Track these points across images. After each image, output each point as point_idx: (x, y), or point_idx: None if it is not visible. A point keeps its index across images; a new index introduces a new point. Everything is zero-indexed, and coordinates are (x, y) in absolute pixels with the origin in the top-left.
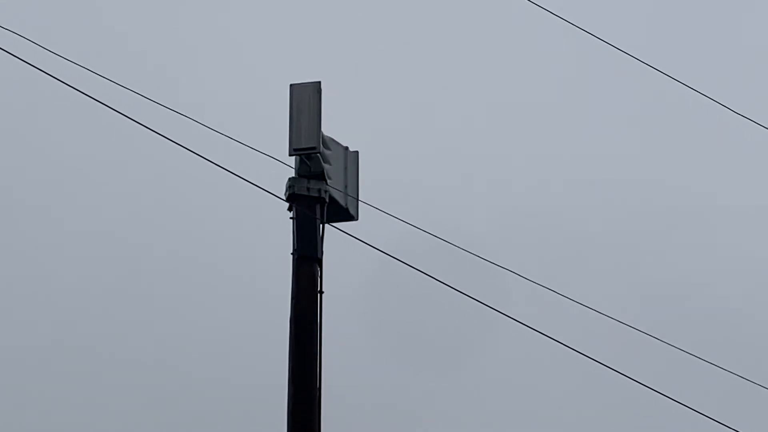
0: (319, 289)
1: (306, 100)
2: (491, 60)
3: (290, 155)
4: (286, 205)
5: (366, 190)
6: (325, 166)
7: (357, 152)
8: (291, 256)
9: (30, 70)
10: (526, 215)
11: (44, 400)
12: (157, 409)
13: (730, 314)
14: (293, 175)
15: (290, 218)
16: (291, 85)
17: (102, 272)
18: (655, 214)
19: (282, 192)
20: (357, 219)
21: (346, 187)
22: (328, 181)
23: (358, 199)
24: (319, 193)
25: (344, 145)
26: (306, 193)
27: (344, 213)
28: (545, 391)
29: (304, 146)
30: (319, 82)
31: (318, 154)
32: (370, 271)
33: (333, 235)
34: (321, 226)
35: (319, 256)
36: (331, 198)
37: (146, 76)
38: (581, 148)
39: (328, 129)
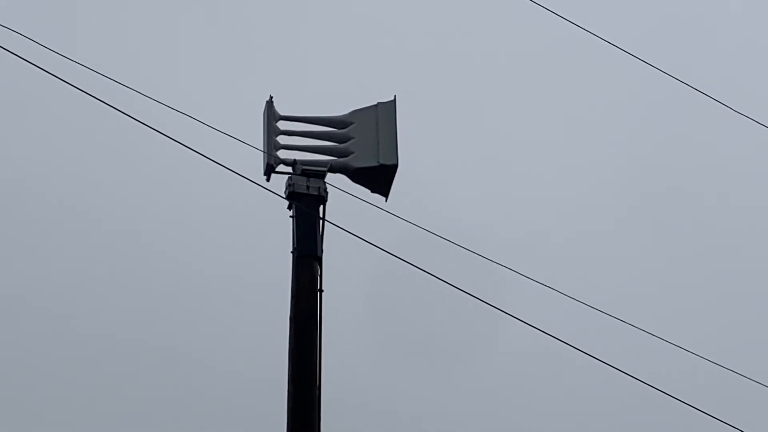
0: (319, 287)
1: (263, 120)
2: (490, 58)
3: (267, 181)
4: (287, 203)
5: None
6: (345, 146)
7: (393, 98)
8: (291, 255)
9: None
10: (526, 213)
11: (48, 390)
12: (156, 409)
13: (732, 310)
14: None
15: (290, 216)
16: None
17: (101, 272)
18: (654, 210)
19: (282, 190)
20: (397, 165)
21: (378, 143)
22: (353, 155)
23: (396, 145)
24: (318, 191)
25: (375, 103)
26: (306, 191)
27: (380, 171)
28: (546, 389)
29: (264, 166)
30: (270, 96)
31: (295, 161)
32: (370, 269)
33: (333, 233)
34: (321, 224)
35: (319, 254)
36: (360, 169)
37: (146, 75)
38: (581, 145)
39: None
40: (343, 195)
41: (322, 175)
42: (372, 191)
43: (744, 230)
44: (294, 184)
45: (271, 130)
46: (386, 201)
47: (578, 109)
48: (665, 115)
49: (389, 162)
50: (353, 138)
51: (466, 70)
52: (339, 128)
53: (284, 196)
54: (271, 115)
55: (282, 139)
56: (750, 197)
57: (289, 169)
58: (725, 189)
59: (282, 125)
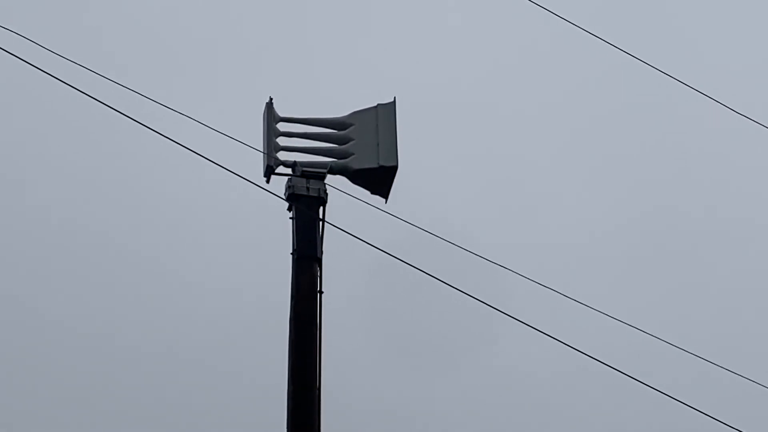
0: (318, 288)
1: (263, 122)
2: (490, 59)
3: (267, 182)
4: (286, 204)
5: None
6: (345, 147)
7: (393, 100)
8: (291, 256)
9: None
10: (526, 212)
11: (48, 391)
12: (156, 409)
13: (732, 310)
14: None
15: (290, 218)
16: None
17: (97, 272)
18: (653, 209)
19: (282, 192)
20: (397, 166)
21: (378, 144)
22: (353, 156)
23: (396, 147)
24: (318, 192)
25: (375, 104)
26: (306, 192)
27: (380, 173)
28: (545, 390)
29: (264, 167)
30: (270, 98)
31: (295, 163)
32: (370, 270)
33: (333, 235)
34: (321, 225)
35: (318, 255)
36: (359, 170)
37: (146, 76)
38: (581, 144)
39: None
40: (342, 196)
41: (322, 177)
42: (372, 193)
43: (744, 230)
44: (294, 185)
45: (270, 132)
46: (386, 202)
47: (578, 108)
48: (666, 119)
49: (389, 163)
50: (353, 139)
51: (466, 70)
52: (339, 130)
53: (284, 197)
54: (270, 116)
55: (282, 141)
56: (753, 199)
57: (289, 171)
58: (727, 192)
59: (282, 127)
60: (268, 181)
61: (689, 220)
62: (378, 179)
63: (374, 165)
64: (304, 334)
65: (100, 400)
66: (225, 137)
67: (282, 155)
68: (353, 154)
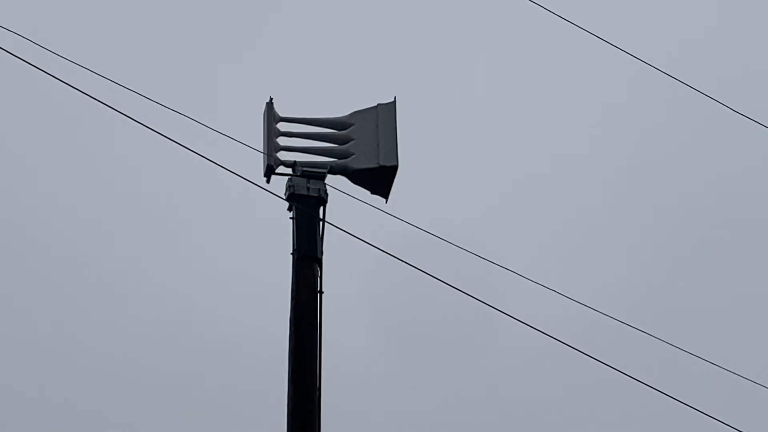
0: (318, 289)
1: (263, 122)
2: (490, 59)
3: (267, 182)
4: (287, 204)
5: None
6: (345, 147)
7: (393, 100)
8: (291, 257)
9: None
10: (526, 212)
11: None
12: (156, 410)
13: (731, 310)
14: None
15: (290, 218)
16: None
17: (93, 273)
18: (651, 206)
19: (282, 192)
20: (397, 166)
21: (378, 144)
22: (353, 156)
23: (396, 146)
24: (318, 192)
25: (375, 104)
26: (306, 192)
27: (380, 173)
28: (545, 389)
29: (264, 167)
30: (270, 98)
31: (294, 163)
32: (370, 270)
33: (333, 235)
34: (321, 225)
35: (319, 256)
36: (360, 170)
37: (145, 75)
38: (580, 144)
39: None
40: (343, 196)
41: (322, 177)
42: (372, 193)
43: (745, 230)
44: (294, 185)
45: (271, 132)
46: (386, 202)
47: (577, 107)
48: (663, 113)
49: (389, 163)
50: (353, 139)
51: (466, 70)
52: (339, 130)
53: (284, 197)
54: (271, 116)
55: (282, 141)
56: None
57: (289, 171)
58: (726, 185)
59: (282, 126)
60: (268, 181)
61: (689, 221)
62: (378, 179)
63: (374, 165)
64: (304, 334)
65: (98, 402)
66: (225, 137)
67: (282, 155)
68: (353, 154)
